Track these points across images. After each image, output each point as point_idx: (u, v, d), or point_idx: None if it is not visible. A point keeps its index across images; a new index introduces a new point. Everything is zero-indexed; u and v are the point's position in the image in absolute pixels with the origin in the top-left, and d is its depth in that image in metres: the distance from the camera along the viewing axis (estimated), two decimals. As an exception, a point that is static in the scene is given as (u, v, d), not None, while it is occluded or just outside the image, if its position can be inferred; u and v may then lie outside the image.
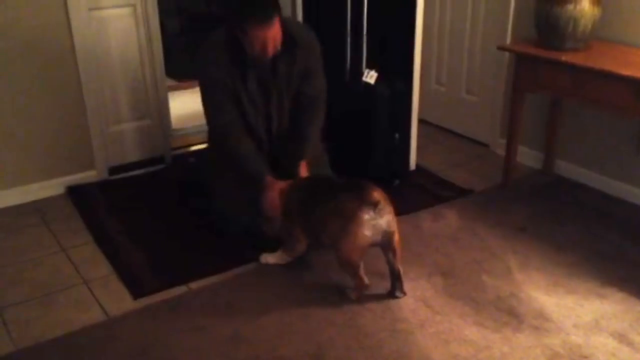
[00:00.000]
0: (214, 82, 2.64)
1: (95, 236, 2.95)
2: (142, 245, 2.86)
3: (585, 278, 2.59)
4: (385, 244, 2.35)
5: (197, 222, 3.02)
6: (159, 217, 3.12)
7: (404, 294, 2.46)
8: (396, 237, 2.35)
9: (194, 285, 2.58)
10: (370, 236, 2.27)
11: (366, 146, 3.30)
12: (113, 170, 3.54)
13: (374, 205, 2.25)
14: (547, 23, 2.90)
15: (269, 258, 2.68)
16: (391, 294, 2.46)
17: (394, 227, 2.33)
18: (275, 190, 2.60)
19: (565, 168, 3.47)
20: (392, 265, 2.41)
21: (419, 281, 2.58)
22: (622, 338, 2.25)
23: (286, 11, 4.02)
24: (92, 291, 2.56)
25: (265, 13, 2.48)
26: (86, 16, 3.23)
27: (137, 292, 2.53)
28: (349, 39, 3.31)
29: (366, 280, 2.40)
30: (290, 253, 2.63)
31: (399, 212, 3.07)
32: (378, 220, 2.27)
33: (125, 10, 3.37)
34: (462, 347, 2.21)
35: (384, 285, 2.52)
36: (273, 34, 2.52)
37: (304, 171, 2.76)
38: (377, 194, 2.29)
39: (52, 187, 3.34)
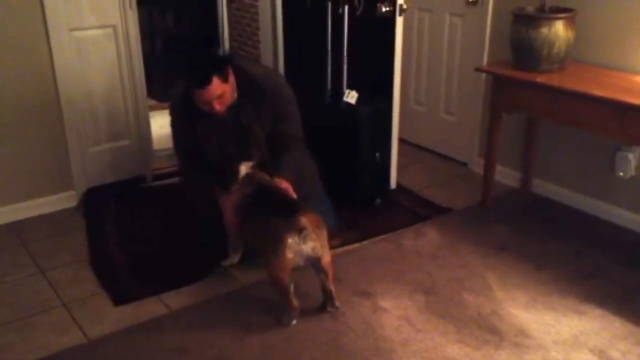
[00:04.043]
0: (177, 127, 2.83)
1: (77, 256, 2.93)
2: (127, 255, 2.94)
3: (564, 295, 2.63)
4: (314, 266, 2.42)
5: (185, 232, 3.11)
6: (142, 230, 3.18)
7: (336, 308, 2.51)
8: (326, 259, 2.42)
9: (176, 300, 2.58)
10: (292, 259, 2.33)
11: (348, 165, 3.32)
12: (92, 190, 3.51)
13: (299, 231, 2.31)
14: (523, 45, 2.96)
15: (227, 261, 2.84)
16: (322, 309, 2.52)
17: (320, 252, 2.38)
18: (227, 204, 2.64)
19: (543, 187, 3.52)
20: (324, 285, 2.48)
21: (401, 299, 2.59)
22: (601, 354, 2.28)
23: (267, 33, 4.06)
24: (71, 313, 2.53)
25: (202, 77, 2.56)
26: (66, 36, 3.22)
27: (119, 300, 2.61)
28: (329, 60, 3.34)
29: (295, 302, 2.43)
30: (235, 251, 2.82)
31: (380, 231, 3.13)
32: (302, 245, 2.33)
33: (106, 31, 3.37)
34: (444, 365, 2.22)
35: (365, 304, 2.54)
36: (217, 94, 2.59)
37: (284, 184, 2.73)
38: (305, 220, 2.35)
39: (30, 208, 3.30)
